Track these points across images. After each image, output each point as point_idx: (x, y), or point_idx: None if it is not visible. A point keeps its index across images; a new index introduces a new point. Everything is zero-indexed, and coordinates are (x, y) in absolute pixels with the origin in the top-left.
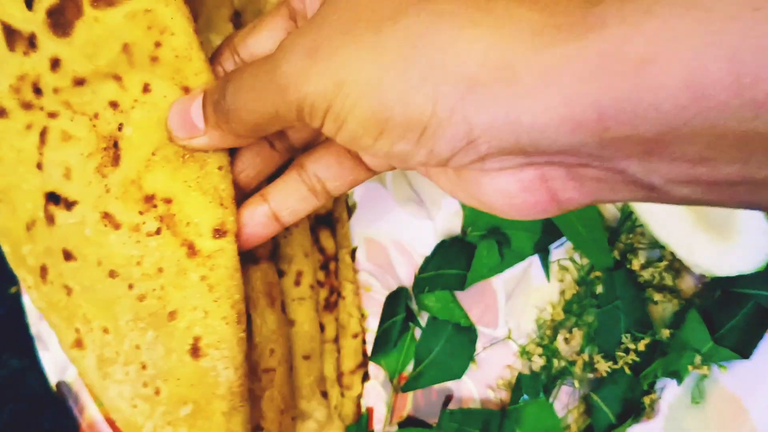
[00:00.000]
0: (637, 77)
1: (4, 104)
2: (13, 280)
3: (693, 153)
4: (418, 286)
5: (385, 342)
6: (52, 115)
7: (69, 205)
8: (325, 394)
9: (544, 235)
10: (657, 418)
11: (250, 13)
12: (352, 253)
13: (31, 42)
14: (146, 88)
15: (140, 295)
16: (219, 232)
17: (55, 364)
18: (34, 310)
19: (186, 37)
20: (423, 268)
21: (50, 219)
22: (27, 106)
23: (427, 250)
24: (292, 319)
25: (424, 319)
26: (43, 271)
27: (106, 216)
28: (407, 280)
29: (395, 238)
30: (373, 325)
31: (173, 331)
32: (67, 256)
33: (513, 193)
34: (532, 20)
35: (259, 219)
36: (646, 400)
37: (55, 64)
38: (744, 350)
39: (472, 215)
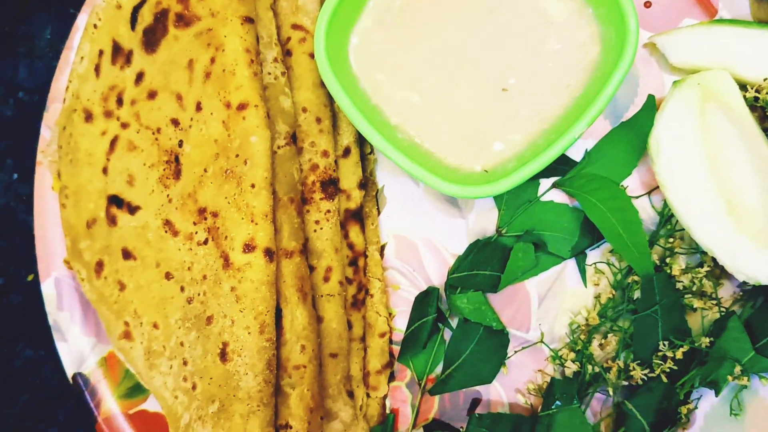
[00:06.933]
0: None
1: (93, 110)
2: (30, 267)
3: None
4: (450, 286)
5: (414, 343)
6: (125, 125)
7: (132, 209)
8: (351, 394)
9: (581, 238)
10: (692, 429)
11: None
12: (381, 249)
13: (128, 58)
14: (198, 107)
15: (189, 297)
16: (248, 247)
17: (73, 355)
18: (53, 300)
19: (234, 54)
20: (455, 268)
21: (112, 220)
22: (108, 114)
23: (459, 249)
24: (321, 316)
25: (454, 320)
26: (99, 266)
27: (167, 223)
28: (437, 279)
29: (426, 235)
30: (400, 324)
31: (209, 334)
32: (126, 255)
33: None
34: None
35: None
36: (683, 409)
37: (139, 77)
38: None
39: (507, 215)
